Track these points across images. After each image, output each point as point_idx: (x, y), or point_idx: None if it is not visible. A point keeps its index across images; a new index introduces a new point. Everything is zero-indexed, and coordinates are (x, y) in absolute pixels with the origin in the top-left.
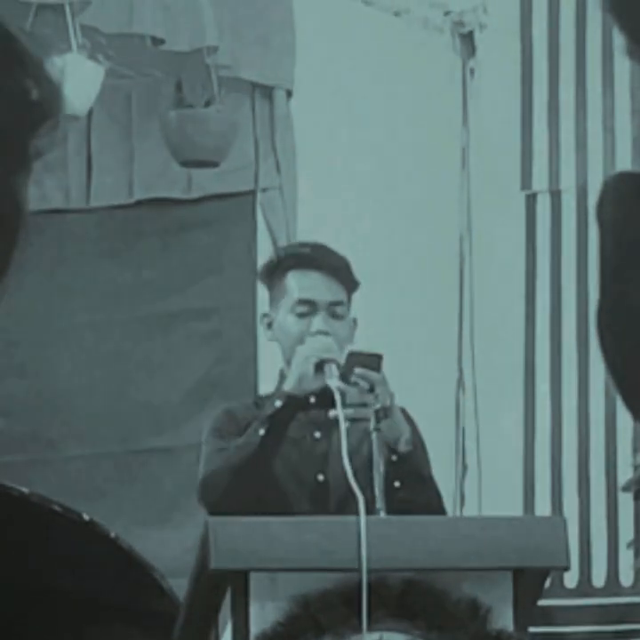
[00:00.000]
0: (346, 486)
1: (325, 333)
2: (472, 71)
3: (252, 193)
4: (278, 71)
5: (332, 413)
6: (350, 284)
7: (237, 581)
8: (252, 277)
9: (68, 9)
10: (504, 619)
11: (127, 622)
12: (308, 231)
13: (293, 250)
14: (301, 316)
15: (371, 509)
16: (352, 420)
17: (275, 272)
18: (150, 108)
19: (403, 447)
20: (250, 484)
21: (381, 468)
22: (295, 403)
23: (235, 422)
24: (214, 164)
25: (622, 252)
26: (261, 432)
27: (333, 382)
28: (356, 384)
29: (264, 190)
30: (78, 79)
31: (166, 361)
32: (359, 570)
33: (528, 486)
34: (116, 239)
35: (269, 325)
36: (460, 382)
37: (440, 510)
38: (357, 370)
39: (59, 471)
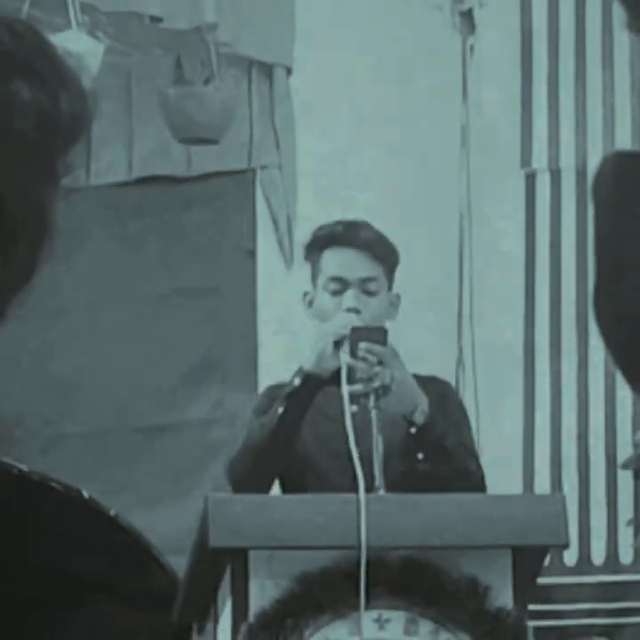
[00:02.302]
0: (381, 461)
1: (356, 310)
2: (472, 48)
3: (252, 171)
4: (278, 49)
5: (342, 390)
6: (388, 259)
7: (237, 559)
8: (251, 255)
9: None
10: (503, 596)
11: (126, 600)
12: (307, 209)
13: (329, 228)
14: (334, 293)
15: (396, 488)
16: (364, 395)
17: (312, 251)
18: (149, 85)
19: (419, 418)
20: (271, 462)
21: (380, 446)
22: (314, 381)
23: (271, 401)
24: (214, 142)
25: (617, 229)
26: (280, 410)
27: (344, 358)
28: (364, 359)
29: (264, 168)
30: (78, 56)
31: (166, 339)
32: (358, 548)
33: (528, 464)
34: (116, 217)
35: (310, 304)
36: (460, 361)
37: (469, 482)
38: (362, 344)
39: (58, 449)
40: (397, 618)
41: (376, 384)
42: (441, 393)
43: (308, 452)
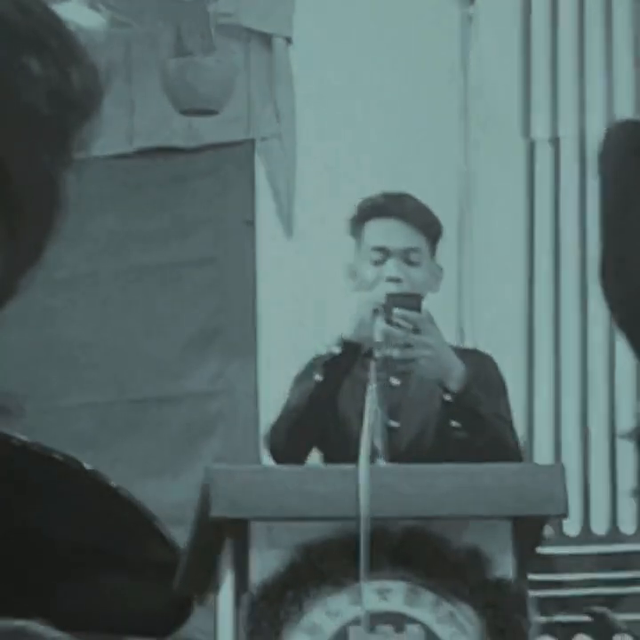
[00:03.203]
0: (416, 433)
1: (397, 279)
2: (471, 18)
3: (252, 141)
4: (277, 19)
5: (377, 354)
6: (430, 230)
7: (238, 530)
8: (251, 226)
9: None
10: (504, 567)
11: (127, 571)
12: (307, 179)
13: (372, 200)
14: (376, 263)
15: (431, 457)
16: (400, 362)
17: (356, 223)
18: (150, 56)
19: (453, 386)
20: (308, 431)
21: (379, 416)
22: (353, 349)
23: (315, 370)
24: (214, 113)
25: (623, 199)
26: (318, 378)
27: (379, 325)
28: (398, 325)
29: (263, 139)
30: (78, 28)
31: (166, 310)
32: (359, 518)
33: (528, 434)
34: (116, 188)
35: (353, 275)
36: (461, 333)
37: (506, 452)
38: (396, 311)
39: (59, 421)
40: (398, 588)
41: (408, 355)
42: (480, 364)
43: (348, 422)
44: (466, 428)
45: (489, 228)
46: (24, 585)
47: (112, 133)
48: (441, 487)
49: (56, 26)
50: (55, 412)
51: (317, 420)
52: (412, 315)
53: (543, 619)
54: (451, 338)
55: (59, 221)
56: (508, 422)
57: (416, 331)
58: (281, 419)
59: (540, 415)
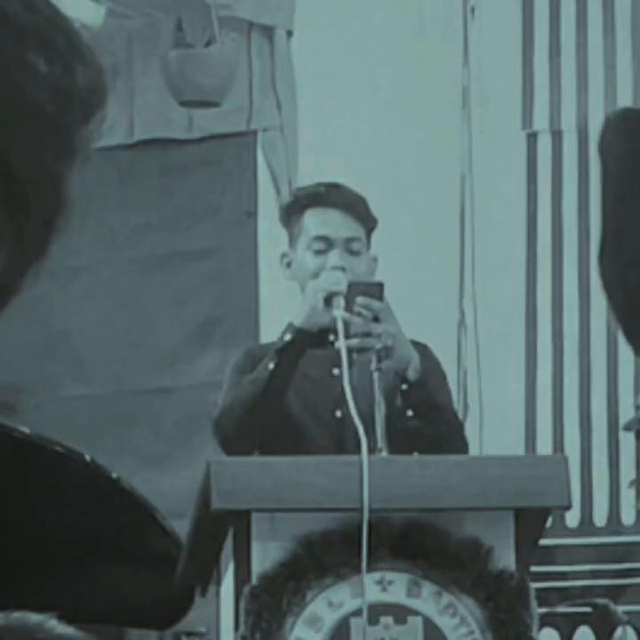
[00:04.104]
0: (363, 421)
1: (341, 268)
2: (472, 10)
3: (253, 133)
4: (278, 11)
5: (337, 344)
6: (368, 221)
7: (239, 522)
8: (252, 217)
9: None
10: (505, 558)
11: (129, 563)
12: (309, 171)
13: (310, 188)
14: (318, 252)
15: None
16: (358, 351)
17: (292, 212)
18: (150, 47)
19: (411, 375)
20: (261, 419)
21: (383, 408)
22: (305, 337)
23: (254, 360)
24: (215, 104)
25: (623, 186)
26: (271, 366)
27: (338, 313)
28: (359, 314)
29: (265, 130)
30: (78, 18)
31: (167, 301)
32: (361, 510)
33: (529, 426)
34: (116, 180)
35: (289, 265)
36: (462, 323)
37: (455, 440)
38: (359, 299)
39: (60, 412)
40: (400, 580)
41: (378, 345)
42: (421, 354)
43: (292, 413)
44: (420, 418)
45: (490, 220)
46: (25, 576)
47: (112, 124)
48: (443, 478)
49: (62, 24)
50: (56, 404)
51: (271, 409)
52: (375, 303)
53: (544, 610)
54: (453, 329)
55: (63, 220)
56: (455, 411)
57: (375, 319)
58: (232, 409)
59: (541, 406)
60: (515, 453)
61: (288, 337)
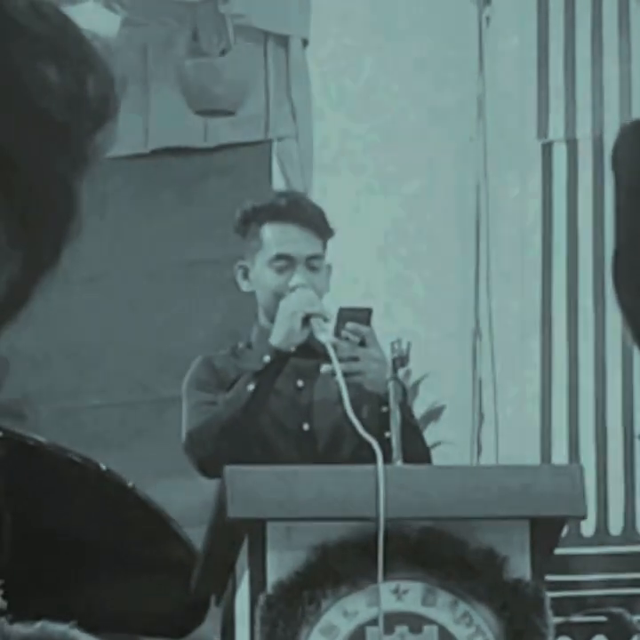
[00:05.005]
0: (331, 434)
1: (305, 287)
2: (488, 19)
3: (268, 142)
4: (293, 20)
5: (324, 369)
6: (326, 233)
7: (254, 531)
8: None
9: None
10: (521, 567)
11: (144, 572)
12: (322, 180)
13: (270, 200)
14: (280, 270)
15: (355, 459)
16: (344, 375)
17: (250, 223)
18: (166, 57)
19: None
20: (238, 439)
21: (398, 418)
22: (282, 357)
23: (214, 373)
24: (230, 113)
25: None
26: (251, 388)
27: (326, 337)
28: (346, 338)
29: (280, 139)
30: (94, 28)
31: (183, 311)
32: (376, 519)
33: (545, 435)
34: (132, 189)
35: (245, 276)
36: (477, 331)
37: (427, 460)
38: (349, 325)
39: (76, 421)
40: (415, 589)
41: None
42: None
43: (259, 426)
44: (400, 438)
45: (505, 229)
46: (41, 585)
47: (128, 134)
48: (458, 488)
49: (74, 34)
50: (72, 413)
51: (246, 428)
52: (363, 328)
53: (560, 619)
54: (468, 339)
55: (74, 229)
56: (420, 429)
57: (362, 344)
58: (205, 429)
59: (556, 416)
60: (530, 463)
61: (267, 358)
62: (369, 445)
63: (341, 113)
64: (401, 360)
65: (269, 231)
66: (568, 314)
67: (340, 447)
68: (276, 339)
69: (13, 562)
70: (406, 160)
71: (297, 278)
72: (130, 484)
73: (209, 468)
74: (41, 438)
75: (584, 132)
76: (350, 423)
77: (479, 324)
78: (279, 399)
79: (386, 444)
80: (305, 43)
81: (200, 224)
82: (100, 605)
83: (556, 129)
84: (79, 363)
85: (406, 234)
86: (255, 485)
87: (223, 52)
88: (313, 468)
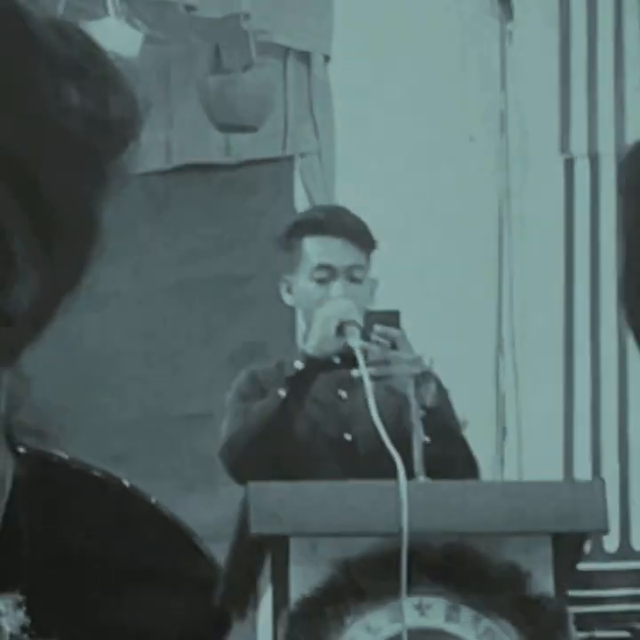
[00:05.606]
0: (373, 445)
1: (344, 296)
2: (510, 35)
3: (291, 158)
4: (315, 36)
5: (354, 373)
6: (368, 245)
7: (277, 546)
8: None
9: None
10: (544, 583)
11: (167, 587)
12: (346, 195)
13: (309, 215)
14: (321, 281)
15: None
16: (376, 379)
17: (292, 237)
18: (188, 73)
19: (429, 402)
20: (271, 446)
21: (421, 433)
22: (316, 364)
23: (258, 385)
24: (253, 129)
25: None
26: (282, 394)
27: (355, 342)
28: (376, 342)
29: (302, 155)
30: (116, 44)
31: (203, 327)
32: (399, 534)
33: (568, 450)
34: (153, 205)
35: (289, 290)
36: (500, 347)
37: (470, 464)
38: (377, 327)
39: (98, 437)
40: (438, 604)
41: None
42: (435, 381)
43: (299, 436)
44: (438, 443)
45: (528, 245)
46: (63, 602)
47: (150, 149)
48: (481, 503)
49: (96, 54)
50: (94, 430)
51: (282, 436)
52: (393, 331)
53: (583, 635)
54: (491, 354)
55: (97, 248)
56: (465, 438)
57: (393, 347)
58: (242, 436)
59: (579, 431)
60: (553, 478)
61: (299, 365)
62: (409, 456)
63: (364, 130)
64: (423, 376)
65: (309, 243)
66: (591, 329)
67: (381, 458)
68: (309, 345)
69: (36, 578)
70: (427, 176)
71: (337, 289)
72: (153, 500)
73: (241, 473)
74: (64, 455)
75: (606, 147)
76: (392, 433)
77: (502, 340)
78: (319, 408)
79: (425, 449)
80: (326, 59)
81: (222, 240)
82: (122, 622)
83: (579, 144)
84: (101, 379)
85: (428, 251)
86: (278, 501)
87: (245, 69)
88: (335, 483)
